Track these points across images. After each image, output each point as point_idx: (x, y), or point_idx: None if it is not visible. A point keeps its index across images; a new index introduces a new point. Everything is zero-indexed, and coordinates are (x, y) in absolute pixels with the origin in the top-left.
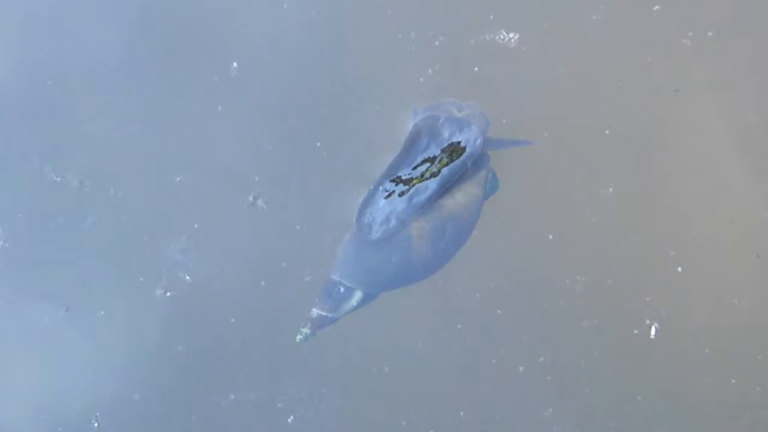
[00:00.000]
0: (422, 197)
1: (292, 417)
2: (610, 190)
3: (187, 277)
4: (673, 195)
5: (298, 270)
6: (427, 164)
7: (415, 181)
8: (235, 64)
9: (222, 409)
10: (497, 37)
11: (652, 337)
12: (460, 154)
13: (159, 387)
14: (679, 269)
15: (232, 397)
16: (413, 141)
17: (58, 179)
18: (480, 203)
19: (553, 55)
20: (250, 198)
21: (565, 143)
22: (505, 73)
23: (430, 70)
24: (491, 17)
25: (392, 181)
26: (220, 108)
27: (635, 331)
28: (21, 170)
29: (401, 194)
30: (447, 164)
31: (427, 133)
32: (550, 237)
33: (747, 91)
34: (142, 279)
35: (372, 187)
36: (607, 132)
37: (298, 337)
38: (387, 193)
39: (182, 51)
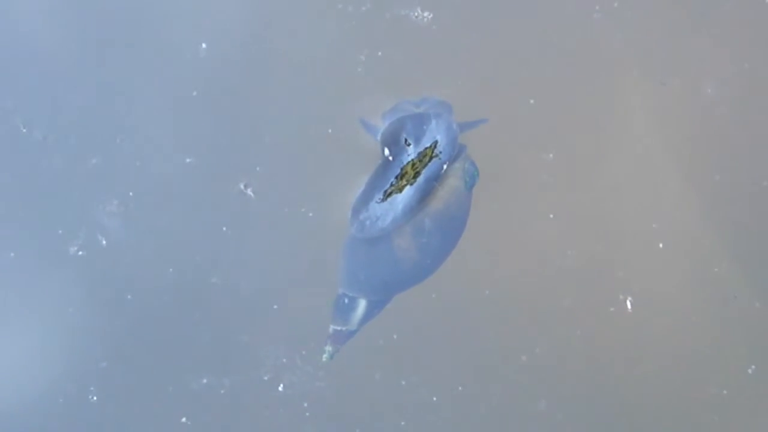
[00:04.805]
0: (413, 197)
1: (281, 385)
2: (551, 155)
3: (104, 241)
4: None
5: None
6: (410, 166)
7: (401, 184)
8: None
9: (195, 390)
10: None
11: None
12: (441, 148)
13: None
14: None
15: (204, 381)
16: (388, 149)
17: (24, 130)
18: (463, 195)
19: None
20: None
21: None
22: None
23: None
24: None
25: (383, 188)
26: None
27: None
28: None
29: (391, 198)
30: (430, 161)
31: (398, 137)
32: (551, 216)
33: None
34: (60, 232)
35: (361, 192)
36: (531, 102)
37: (324, 356)
38: (379, 197)
39: (153, 28)
